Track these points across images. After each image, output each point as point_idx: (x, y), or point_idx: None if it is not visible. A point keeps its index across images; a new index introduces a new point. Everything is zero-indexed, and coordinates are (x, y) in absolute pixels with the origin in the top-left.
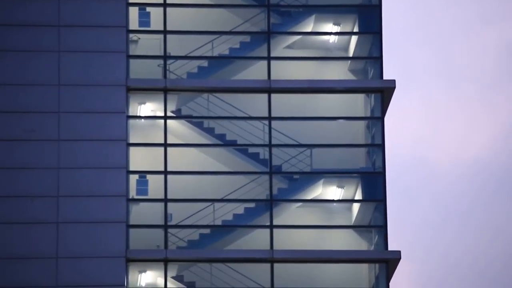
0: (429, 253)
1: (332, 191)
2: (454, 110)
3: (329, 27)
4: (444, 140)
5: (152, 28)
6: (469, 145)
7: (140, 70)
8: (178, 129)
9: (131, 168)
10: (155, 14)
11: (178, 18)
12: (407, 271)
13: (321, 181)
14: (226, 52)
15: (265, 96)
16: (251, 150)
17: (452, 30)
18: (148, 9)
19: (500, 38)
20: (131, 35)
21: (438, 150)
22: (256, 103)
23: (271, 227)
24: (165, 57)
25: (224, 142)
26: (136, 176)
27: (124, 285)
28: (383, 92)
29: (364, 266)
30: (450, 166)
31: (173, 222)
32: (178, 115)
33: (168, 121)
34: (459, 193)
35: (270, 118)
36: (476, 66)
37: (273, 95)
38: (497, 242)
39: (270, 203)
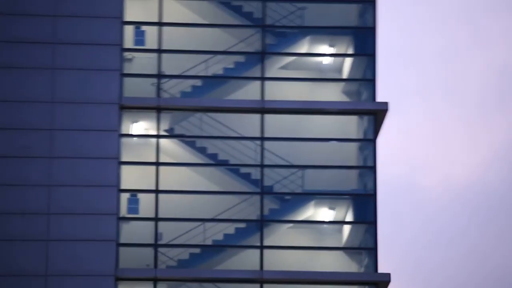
0: (416, 276)
1: (323, 212)
2: (445, 134)
3: (324, 48)
4: (435, 163)
5: (146, 46)
6: (460, 168)
7: (134, 88)
8: (171, 148)
9: (123, 187)
10: (150, 33)
11: (173, 37)
12: None
13: (313, 202)
14: (220, 72)
15: (258, 116)
16: (243, 170)
17: (444, 52)
18: (143, 27)
19: (490, 61)
20: (125, 53)
21: (429, 173)
22: (249, 123)
23: (262, 247)
24: (159, 76)
25: (216, 161)
26: (127, 195)
27: None
28: (376, 115)
29: None
30: (441, 190)
31: (163, 241)
32: (170, 134)
33: (161, 140)
34: (449, 218)
35: (262, 138)
36: (466, 89)
37: (266, 116)
38: (484, 267)
39: (260, 223)
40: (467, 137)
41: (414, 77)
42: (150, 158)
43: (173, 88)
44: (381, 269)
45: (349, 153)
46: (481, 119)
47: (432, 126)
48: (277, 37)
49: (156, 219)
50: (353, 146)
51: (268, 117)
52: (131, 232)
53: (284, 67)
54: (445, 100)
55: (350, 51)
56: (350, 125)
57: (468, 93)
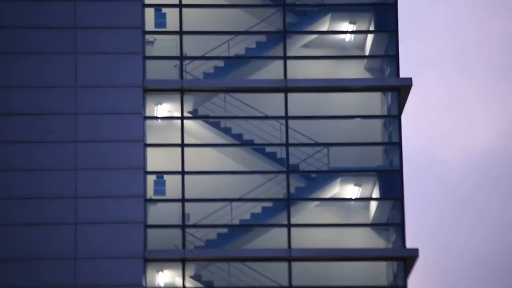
0: (445, 249)
1: (349, 190)
2: (460, 105)
3: (345, 25)
4: (453, 134)
5: (168, 28)
6: (478, 139)
7: (156, 71)
8: (195, 129)
9: (149, 169)
10: (171, 15)
11: (194, 18)
12: (423, 268)
13: (339, 179)
14: (242, 52)
15: (281, 95)
16: (268, 149)
17: (455, 22)
18: (164, 10)
19: (504, 29)
20: (147, 36)
21: (448, 146)
22: (273, 103)
23: (289, 226)
24: (181, 57)
25: (241, 141)
26: (153, 177)
27: (143, 285)
28: (400, 90)
29: (382, 264)
30: (461, 161)
31: (190, 222)
32: (194, 115)
33: (185, 121)
34: (472, 189)
35: (286, 117)
36: (482, 57)
37: (289, 94)
38: (510, 235)
39: (287, 202)
40: (483, 107)
41: (427, 49)
42: (175, 139)
43: (195, 70)
44: (409, 244)
45: (374, 130)
46: (496, 89)
47: (448, 98)
48: (298, 16)
49: (183, 200)
50: (378, 122)
51: (292, 95)
52: (158, 213)
53: (305, 46)
54: (459, 71)
55: (372, 28)
56: (374, 102)
57: (482, 63)
